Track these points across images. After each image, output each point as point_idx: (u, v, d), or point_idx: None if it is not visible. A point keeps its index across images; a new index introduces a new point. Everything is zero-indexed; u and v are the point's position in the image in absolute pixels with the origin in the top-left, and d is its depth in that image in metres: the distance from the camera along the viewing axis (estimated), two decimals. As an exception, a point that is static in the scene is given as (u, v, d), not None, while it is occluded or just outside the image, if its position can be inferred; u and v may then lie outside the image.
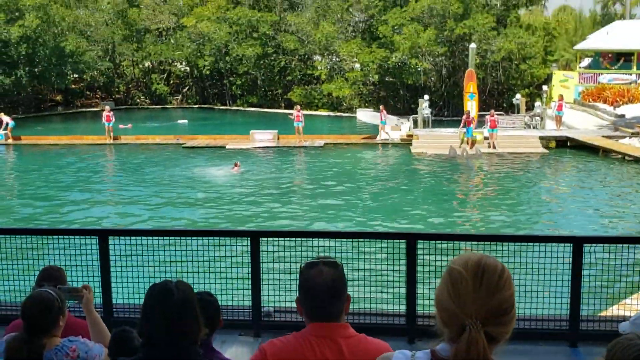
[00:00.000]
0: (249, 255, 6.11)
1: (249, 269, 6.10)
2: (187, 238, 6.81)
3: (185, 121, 44.45)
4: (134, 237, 6.45)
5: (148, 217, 18.61)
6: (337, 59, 48.26)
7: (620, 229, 17.05)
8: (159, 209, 19.69)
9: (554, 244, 5.64)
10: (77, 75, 54.33)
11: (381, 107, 34.44)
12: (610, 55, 44.09)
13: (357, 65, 47.13)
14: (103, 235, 6.34)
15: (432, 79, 45.27)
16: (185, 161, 28.20)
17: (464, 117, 29.97)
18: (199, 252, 6.54)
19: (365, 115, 34.53)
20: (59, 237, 6.46)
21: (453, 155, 28.43)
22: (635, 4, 63.88)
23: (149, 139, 34.15)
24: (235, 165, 25.82)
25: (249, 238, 6.20)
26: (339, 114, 46.84)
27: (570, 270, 5.30)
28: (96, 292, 5.32)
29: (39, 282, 4.24)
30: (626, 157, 26.69)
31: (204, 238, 6.56)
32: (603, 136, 30.17)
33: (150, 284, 2.76)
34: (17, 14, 45.95)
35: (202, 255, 6.47)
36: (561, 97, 33.73)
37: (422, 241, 5.94)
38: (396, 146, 31.79)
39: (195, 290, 2.88)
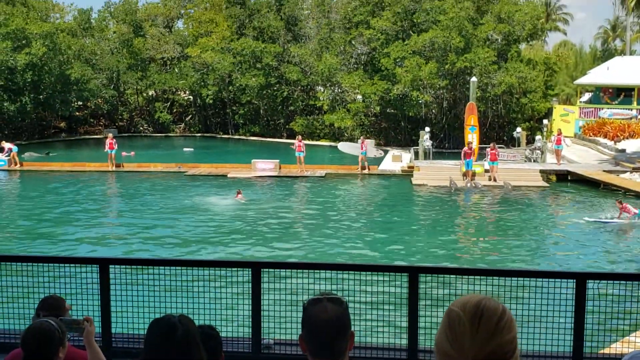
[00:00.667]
0: (250, 286, 6.07)
1: (250, 300, 6.06)
2: (188, 268, 6.78)
3: (191, 149, 44.73)
4: (134, 267, 6.42)
5: (149, 246, 18.56)
6: (339, 90, 48.59)
7: (624, 265, 16.97)
8: (160, 237, 19.65)
9: (556, 280, 5.61)
10: (81, 103, 54.71)
11: (362, 138, 34.61)
12: (610, 90, 44.38)
13: (359, 97, 47.44)
14: (104, 264, 6.31)
15: (433, 111, 45.50)
16: (186, 189, 28.22)
17: (465, 148, 30.08)
18: (199, 282, 6.51)
19: (345, 146, 34.74)
20: (60, 265, 6.43)
21: (454, 187, 28.47)
22: (636, 39, 64.49)
23: (150, 167, 34.24)
24: (238, 193, 25.86)
25: (250, 269, 6.17)
26: (356, 143, 46.90)
27: (573, 307, 5.27)
28: (95, 321, 5.28)
29: (39, 311, 4.22)
30: (627, 192, 26.69)
31: (204, 268, 6.53)
32: (604, 171, 30.21)
33: (151, 315, 2.74)
34: (24, 41, 46.42)
35: (203, 285, 6.44)
36: (560, 132, 33.83)
37: (424, 274, 5.91)
38: (397, 177, 31.84)
39: (197, 323, 2.87)
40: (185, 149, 44.76)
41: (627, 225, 20.94)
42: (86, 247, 18.11)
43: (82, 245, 18.45)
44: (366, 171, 32.79)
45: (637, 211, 21.01)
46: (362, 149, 33.03)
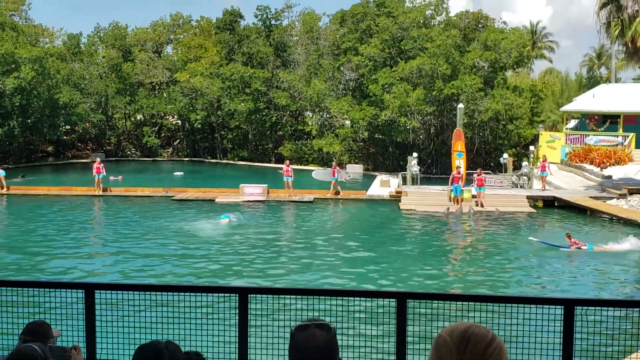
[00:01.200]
0: (237, 312, 6.02)
1: (237, 327, 6.00)
2: (175, 293, 6.72)
3: (182, 173, 44.69)
4: (120, 292, 6.35)
5: (135, 270, 18.41)
6: (327, 116, 48.83)
7: (612, 291, 17.02)
8: (146, 263, 19.50)
9: (544, 306, 5.60)
10: (69, 127, 54.62)
11: (334, 163, 34.79)
12: (596, 117, 44.85)
13: (348, 122, 47.68)
14: (89, 289, 6.24)
15: (421, 137, 45.79)
16: (174, 214, 28.09)
17: (454, 173, 30.22)
18: (186, 308, 6.45)
19: (318, 174, 34.93)
20: (45, 290, 6.35)
21: (448, 213, 28.52)
22: (621, 67, 65.41)
23: (138, 191, 34.10)
24: (228, 218, 25.86)
25: (237, 294, 6.12)
26: (329, 169, 47.10)
27: (562, 333, 5.26)
28: (80, 346, 5.21)
29: (23, 336, 4.17)
30: (614, 219, 26.84)
31: (191, 294, 6.47)
32: (590, 197, 30.38)
33: (137, 341, 2.71)
34: (13, 65, 46.39)
35: (189, 311, 6.37)
36: (545, 158, 34.04)
37: (412, 300, 5.89)
38: (385, 202, 31.87)
39: (183, 349, 2.83)
40: (175, 173, 44.70)
41: (574, 252, 20.90)
42: (72, 272, 17.93)
43: (67, 269, 18.27)
44: (340, 196, 32.90)
45: (585, 247, 20.96)
46: (333, 174, 33.18)
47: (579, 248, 20.90)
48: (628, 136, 41.52)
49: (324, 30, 52.07)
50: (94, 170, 33.44)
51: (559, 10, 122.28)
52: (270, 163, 50.98)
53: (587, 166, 38.56)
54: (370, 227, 26.53)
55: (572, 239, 21.14)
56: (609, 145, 40.95)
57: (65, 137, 55.05)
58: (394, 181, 36.82)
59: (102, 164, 33.94)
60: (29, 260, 19.53)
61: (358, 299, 7.03)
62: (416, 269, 19.14)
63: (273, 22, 55.02)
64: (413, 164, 34.60)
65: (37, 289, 6.40)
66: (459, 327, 1.92)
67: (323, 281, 17.34)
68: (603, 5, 29.70)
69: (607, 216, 27.31)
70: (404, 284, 17.17)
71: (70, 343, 5.71)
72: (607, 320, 5.59)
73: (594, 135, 42.89)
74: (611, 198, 30.04)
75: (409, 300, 5.81)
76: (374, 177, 41.44)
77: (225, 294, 7.00)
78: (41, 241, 22.38)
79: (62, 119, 50.60)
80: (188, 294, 6.53)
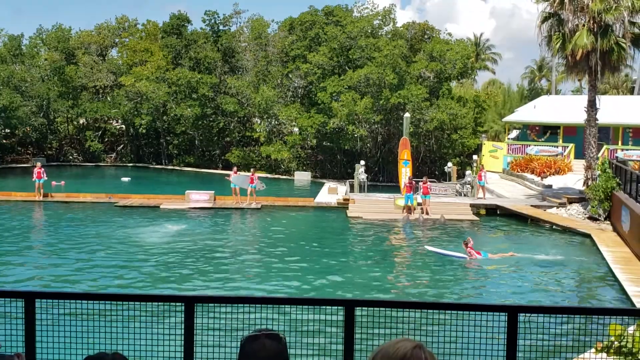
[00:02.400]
0: (183, 322, 5.92)
1: (182, 337, 5.91)
2: (119, 302, 6.57)
3: (129, 178, 43.79)
4: (62, 301, 6.17)
5: (77, 279, 17.97)
6: (276, 122, 48.76)
7: (554, 298, 17.46)
8: (89, 271, 19.05)
9: (488, 313, 5.69)
10: (9, 130, 53.00)
11: (252, 170, 34.64)
12: (537, 128, 46.10)
13: (296, 129, 47.71)
14: (29, 298, 6.05)
15: (368, 145, 46.19)
16: (117, 221, 27.53)
17: (406, 181, 30.71)
18: (130, 318, 6.31)
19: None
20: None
21: (406, 220, 29.08)
22: (561, 80, 67.49)
23: (80, 197, 33.32)
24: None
25: (183, 303, 6.03)
26: (276, 176, 47.06)
27: (505, 340, 5.36)
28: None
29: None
30: (554, 227, 27.59)
31: (135, 303, 6.34)
32: (531, 205, 31.17)
33: (81, 352, 2.64)
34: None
35: (134, 321, 6.25)
36: (482, 168, 34.77)
37: (360, 308, 5.90)
38: (333, 210, 31.99)
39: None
40: (123, 178, 43.78)
41: (469, 261, 21.38)
42: (11, 280, 17.37)
43: (6, 278, 17.69)
44: (253, 205, 32.15)
45: (480, 256, 21.44)
46: (251, 182, 32.79)
47: (474, 256, 21.29)
48: (568, 147, 42.83)
49: (272, 37, 51.98)
50: (35, 175, 32.51)
51: (502, 23, 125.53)
52: (217, 169, 50.49)
53: (528, 175, 39.60)
54: (318, 235, 26.58)
55: (469, 247, 21.51)
56: (549, 155, 42.15)
57: (4, 141, 53.38)
58: (342, 189, 37.03)
59: (42, 169, 33.04)
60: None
61: (306, 307, 7.01)
62: (364, 277, 19.25)
63: (221, 27, 54.59)
64: (360, 172, 34.88)
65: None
66: (398, 352, 1.88)
67: (270, 289, 17.27)
68: (544, 19, 30.57)
69: (547, 224, 28.06)
70: (351, 292, 17.25)
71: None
72: (549, 327, 5.73)
73: (535, 145, 44.09)
74: (551, 207, 30.88)
75: (357, 308, 5.83)
76: (322, 184, 41.57)
77: (171, 303, 6.88)
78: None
79: (1, 122, 49.03)
80: (133, 302, 6.39)
